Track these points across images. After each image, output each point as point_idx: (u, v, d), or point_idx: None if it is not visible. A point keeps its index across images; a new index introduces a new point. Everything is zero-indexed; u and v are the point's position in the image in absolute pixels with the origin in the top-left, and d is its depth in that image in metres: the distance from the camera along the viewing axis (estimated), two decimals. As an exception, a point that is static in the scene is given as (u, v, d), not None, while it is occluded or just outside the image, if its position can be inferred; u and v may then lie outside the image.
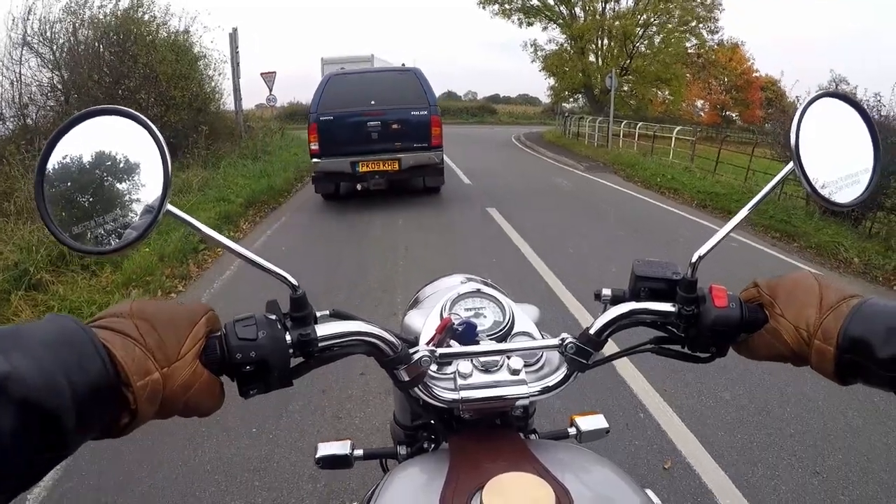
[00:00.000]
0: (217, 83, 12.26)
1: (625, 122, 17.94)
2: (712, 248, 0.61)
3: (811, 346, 0.56)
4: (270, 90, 16.07)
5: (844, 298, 0.56)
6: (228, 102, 13.16)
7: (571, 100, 28.82)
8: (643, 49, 25.01)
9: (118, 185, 0.53)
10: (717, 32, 25.48)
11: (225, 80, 12.58)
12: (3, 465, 0.35)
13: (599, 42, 25.35)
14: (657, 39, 24.90)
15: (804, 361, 0.58)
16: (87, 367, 0.41)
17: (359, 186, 7.66)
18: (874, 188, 0.63)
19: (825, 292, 0.57)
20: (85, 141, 0.52)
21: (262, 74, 15.47)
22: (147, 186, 0.53)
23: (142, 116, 0.53)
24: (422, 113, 7.56)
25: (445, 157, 8.10)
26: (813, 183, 0.60)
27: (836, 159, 0.63)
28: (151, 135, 0.52)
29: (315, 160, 7.52)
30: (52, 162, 0.52)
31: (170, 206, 0.53)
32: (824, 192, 0.61)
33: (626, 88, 25.50)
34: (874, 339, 0.51)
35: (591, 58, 25.50)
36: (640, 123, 17.52)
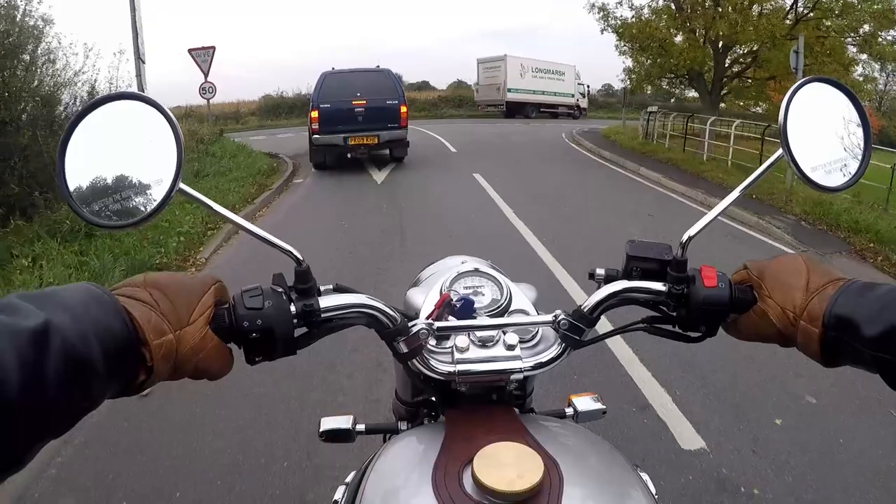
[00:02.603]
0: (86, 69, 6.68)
1: (738, 121, 12.08)
2: (702, 230, 0.64)
3: (797, 327, 0.57)
4: (206, 75, 12.27)
5: (831, 281, 0.57)
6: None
7: (672, 87, 20.82)
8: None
9: (134, 165, 0.57)
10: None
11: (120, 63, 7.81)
12: (50, 406, 0.40)
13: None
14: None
15: (791, 342, 0.59)
16: (111, 327, 0.45)
17: (349, 155, 10.65)
18: (865, 171, 0.64)
19: (812, 275, 0.59)
20: (104, 123, 0.56)
21: (191, 52, 12.08)
22: (161, 166, 0.56)
23: (157, 101, 0.57)
24: (394, 102, 10.68)
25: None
26: (802, 167, 0.62)
27: (827, 143, 0.64)
28: (166, 118, 0.57)
29: (315, 136, 10.38)
30: (73, 143, 0.56)
31: (182, 185, 0.56)
32: (814, 177, 0.63)
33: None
34: (859, 318, 0.52)
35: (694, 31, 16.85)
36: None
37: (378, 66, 11.54)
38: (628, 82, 19.48)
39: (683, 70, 17.28)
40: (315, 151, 10.86)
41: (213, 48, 12.94)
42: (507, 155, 13.20)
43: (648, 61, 18.06)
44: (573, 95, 28.67)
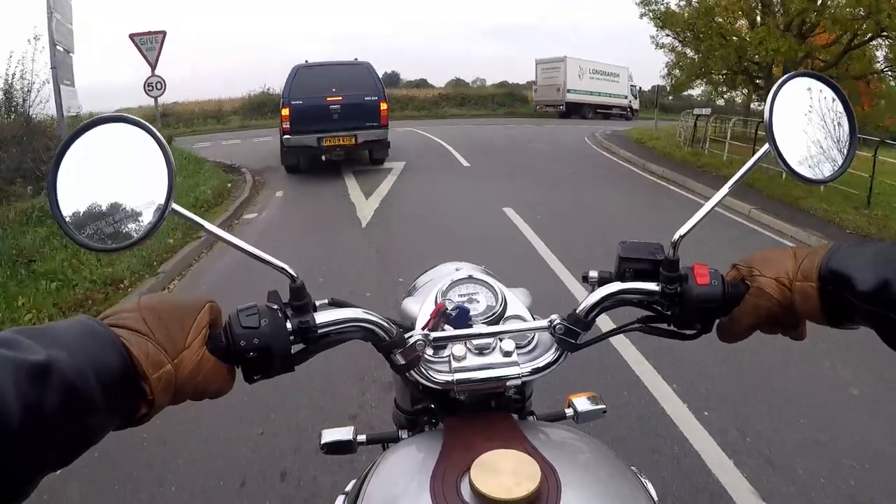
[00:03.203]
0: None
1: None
2: (692, 228, 0.64)
3: (793, 290, 0.58)
4: (153, 67, 10.52)
5: (819, 247, 0.59)
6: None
7: (729, 86, 16.88)
8: None
9: (125, 188, 0.57)
10: None
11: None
12: (50, 440, 0.40)
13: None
14: None
15: (790, 308, 0.59)
16: (109, 363, 0.45)
17: (323, 157, 9.83)
18: (851, 162, 0.65)
19: (798, 250, 0.61)
20: (94, 147, 0.57)
21: (133, 37, 10.35)
22: (153, 188, 0.56)
23: (147, 124, 0.57)
24: (373, 98, 9.82)
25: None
26: (788, 161, 0.63)
27: (813, 136, 0.65)
28: (156, 140, 0.57)
29: (286, 136, 9.49)
30: (64, 166, 0.56)
31: (174, 206, 0.57)
32: (801, 170, 0.64)
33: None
34: (852, 273, 0.53)
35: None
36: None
37: (356, 59, 10.56)
38: (670, 79, 16.69)
39: (761, 62, 13.59)
40: (286, 153, 9.96)
41: (163, 33, 10.82)
42: (536, 171, 10.40)
43: (699, 54, 14.73)
44: (626, 97, 29.04)
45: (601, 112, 26.93)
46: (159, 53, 10.80)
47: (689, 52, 15.72)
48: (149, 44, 10.78)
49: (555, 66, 25.98)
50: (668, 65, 16.36)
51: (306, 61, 10.27)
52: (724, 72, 15.20)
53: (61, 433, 0.42)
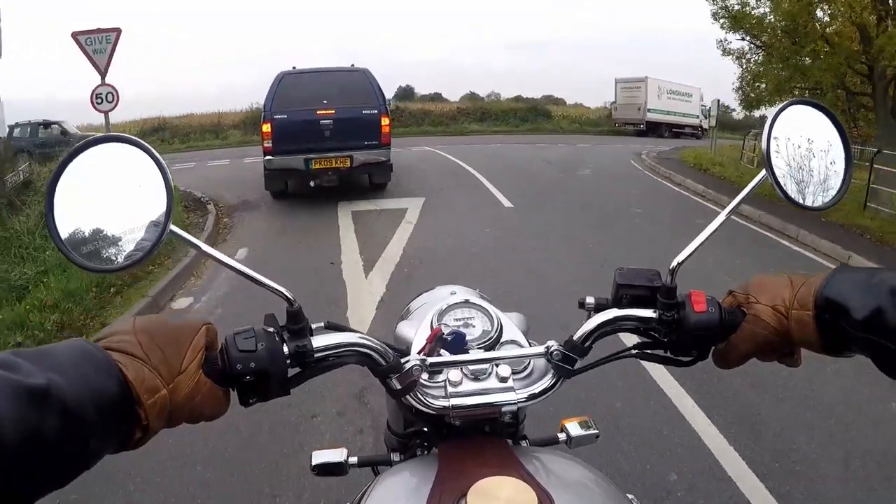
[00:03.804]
0: None
1: None
2: (690, 255, 0.64)
3: (790, 318, 0.57)
4: (103, 74, 8.04)
5: (814, 275, 0.59)
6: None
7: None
8: None
9: (124, 208, 0.57)
10: None
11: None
12: (47, 462, 0.40)
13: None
14: None
15: (786, 336, 0.59)
16: (106, 387, 0.45)
17: (312, 183, 8.04)
18: (846, 190, 0.66)
19: (794, 277, 0.61)
20: (92, 167, 0.56)
21: (77, 36, 7.91)
22: (151, 208, 0.57)
23: (144, 143, 0.57)
24: (372, 112, 7.99)
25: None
26: (785, 188, 0.64)
27: (809, 164, 0.66)
28: (154, 160, 0.57)
29: (268, 158, 7.87)
30: (61, 187, 0.56)
31: (172, 227, 0.57)
32: (797, 198, 0.65)
33: None
34: (848, 301, 0.53)
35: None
36: None
37: (353, 65, 8.80)
38: (745, 92, 13.80)
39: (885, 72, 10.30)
40: (269, 178, 8.26)
41: (117, 31, 8.37)
42: (602, 217, 7.44)
43: (789, 61, 11.56)
44: (697, 116, 29.78)
45: (675, 131, 27.73)
46: (111, 57, 8.38)
47: (756, 59, 13.02)
48: (97, 44, 8.35)
49: (636, 85, 26.82)
50: (745, 75, 13.60)
51: (294, 67, 8.57)
52: (813, 86, 12.10)
53: (59, 456, 0.41)
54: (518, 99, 37.41)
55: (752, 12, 11.84)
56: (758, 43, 12.66)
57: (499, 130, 27.77)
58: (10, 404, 0.38)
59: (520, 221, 7.13)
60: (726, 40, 13.01)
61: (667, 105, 27.62)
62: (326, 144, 7.80)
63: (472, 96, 41.04)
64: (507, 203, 8.17)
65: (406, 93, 43.09)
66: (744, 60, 13.41)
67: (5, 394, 0.38)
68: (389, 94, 35.04)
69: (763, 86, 12.97)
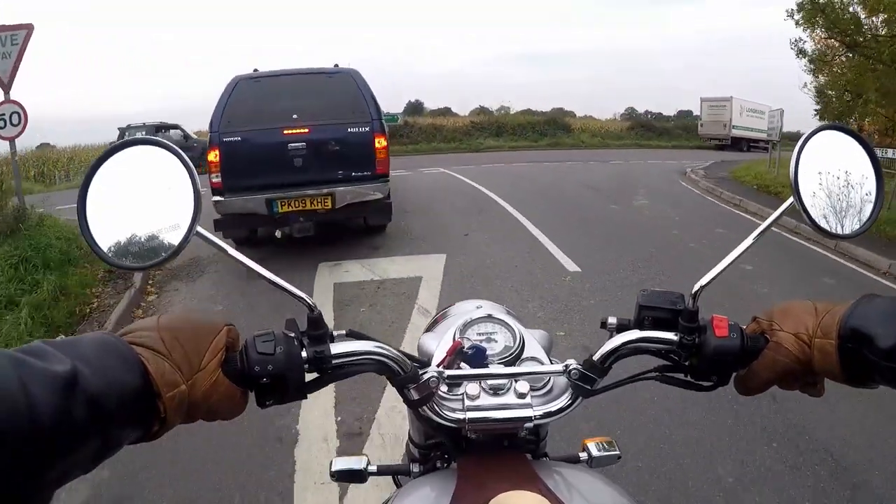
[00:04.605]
0: None
1: None
2: (713, 279, 0.63)
3: (812, 347, 0.57)
4: (6, 88, 6.11)
5: (839, 303, 0.58)
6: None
7: None
8: None
9: (153, 209, 0.58)
10: None
11: None
12: (76, 448, 0.41)
13: None
14: None
15: (808, 365, 0.58)
16: (128, 379, 0.47)
17: (277, 233, 5.48)
18: (877, 216, 0.64)
19: (819, 304, 0.60)
20: (123, 168, 0.59)
21: None
22: (178, 209, 0.58)
23: (174, 146, 0.59)
24: (362, 130, 5.44)
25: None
26: (813, 216, 0.62)
27: (839, 191, 0.64)
28: (183, 163, 0.59)
29: (216, 199, 5.37)
30: (94, 186, 0.58)
31: (199, 228, 0.58)
32: (824, 224, 0.63)
33: None
34: (873, 330, 0.52)
35: None
36: None
37: (337, 66, 6.17)
38: (834, 105, 11.77)
39: None
40: (222, 224, 5.56)
41: (27, 28, 6.43)
42: (722, 288, 3.26)
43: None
44: (765, 131, 34.61)
45: (752, 145, 29.26)
46: (18, 63, 6.37)
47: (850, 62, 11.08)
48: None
49: (721, 104, 29.21)
50: (832, 82, 11.83)
51: (255, 70, 5.99)
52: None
53: (86, 441, 0.43)
54: (528, 112, 36.25)
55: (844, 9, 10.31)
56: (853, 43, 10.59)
57: (517, 146, 25.97)
58: (43, 390, 0.39)
59: (607, 306, 4.33)
60: (801, 40, 11.71)
61: (747, 122, 29.84)
62: (298, 177, 5.34)
63: (482, 110, 39.32)
64: (570, 265, 5.33)
65: (415, 107, 41.66)
66: (823, 65, 11.59)
67: (39, 380, 0.39)
68: (398, 108, 34.07)
69: (872, 96, 10.78)
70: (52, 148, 23.11)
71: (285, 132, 5.29)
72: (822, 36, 10.88)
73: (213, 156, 5.32)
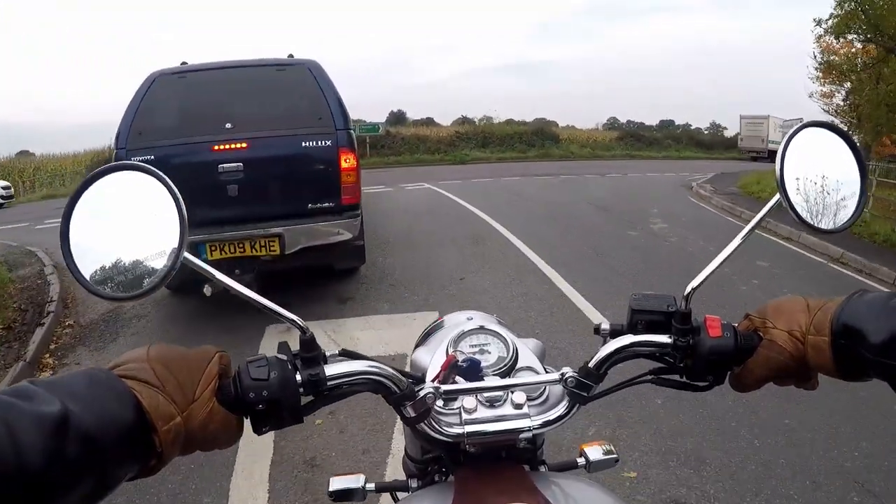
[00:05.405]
0: None
1: None
2: (704, 280, 0.64)
3: (806, 343, 0.57)
4: None
5: (831, 299, 0.59)
6: None
7: None
8: None
9: (138, 236, 0.57)
10: None
11: None
12: (69, 490, 0.40)
13: None
14: None
15: (802, 361, 0.58)
16: (122, 414, 0.46)
17: (206, 289, 3.84)
18: (861, 212, 0.67)
19: (811, 301, 0.60)
20: (106, 195, 0.57)
21: None
22: (164, 236, 0.57)
23: (158, 171, 0.57)
24: (322, 144, 3.97)
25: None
26: (799, 212, 0.64)
27: (824, 186, 0.66)
28: (167, 188, 0.57)
29: None
30: (77, 214, 0.57)
31: (186, 254, 0.57)
32: (811, 220, 0.65)
33: None
34: (864, 326, 0.53)
35: None
36: None
37: (291, 56, 4.61)
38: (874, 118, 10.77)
39: None
40: None
41: None
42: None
43: None
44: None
45: None
46: None
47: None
48: None
49: (759, 122, 32.06)
50: (874, 96, 10.70)
51: (183, 63, 4.48)
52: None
53: (80, 483, 0.42)
54: (510, 122, 34.80)
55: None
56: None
57: (505, 157, 24.88)
58: (32, 433, 0.38)
59: (678, 403, 2.91)
60: (827, 51, 11.97)
61: (779, 137, 33.09)
62: (233, 212, 3.87)
63: (465, 120, 37.74)
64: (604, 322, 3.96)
65: (398, 117, 40.34)
66: (852, 74, 10.54)
67: (26, 424, 0.38)
68: (381, 117, 32.86)
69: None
70: (31, 156, 22.12)
71: (215, 148, 3.82)
72: (858, 43, 10.02)
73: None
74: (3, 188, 16.15)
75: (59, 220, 0.56)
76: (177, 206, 0.57)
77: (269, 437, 2.69)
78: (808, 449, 2.56)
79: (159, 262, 0.56)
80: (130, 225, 0.57)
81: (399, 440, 2.64)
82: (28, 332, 4.38)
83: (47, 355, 4.07)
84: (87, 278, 0.56)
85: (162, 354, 0.52)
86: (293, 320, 0.59)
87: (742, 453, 2.53)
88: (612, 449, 0.81)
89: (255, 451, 2.59)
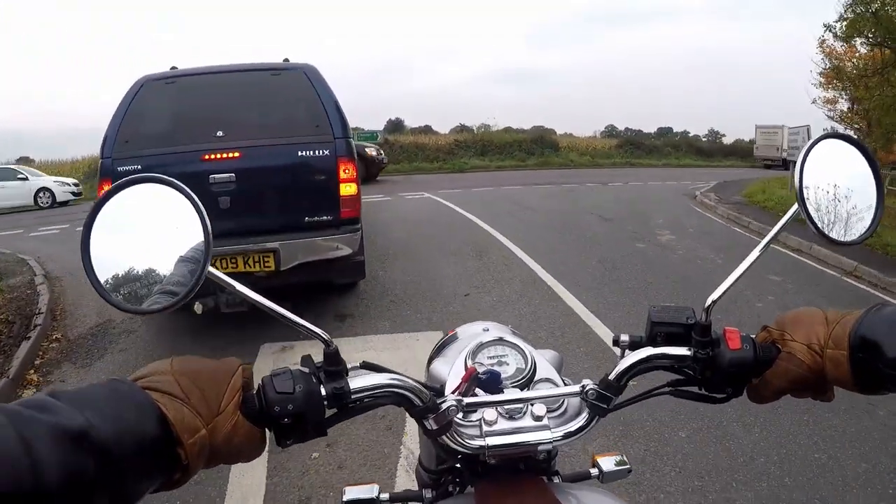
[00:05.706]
0: None
1: None
2: (724, 293, 0.63)
3: (824, 357, 0.57)
4: None
5: (849, 312, 0.59)
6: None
7: None
8: None
9: (161, 249, 0.56)
10: None
11: None
12: None
13: None
14: None
15: (820, 374, 0.58)
16: (146, 427, 0.45)
17: (197, 307, 3.65)
18: (878, 224, 0.66)
19: (829, 313, 0.60)
20: (129, 207, 0.57)
21: None
22: (188, 250, 0.56)
23: (181, 184, 0.56)
24: (320, 153, 3.76)
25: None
26: (817, 223, 0.63)
27: (841, 198, 0.65)
28: (191, 201, 0.56)
29: None
30: (98, 226, 0.56)
31: (210, 268, 0.56)
32: (829, 232, 0.64)
33: None
34: (883, 340, 0.53)
35: None
36: None
37: (286, 60, 4.35)
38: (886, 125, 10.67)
39: None
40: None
41: None
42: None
43: None
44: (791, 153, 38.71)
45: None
46: None
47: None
48: None
49: (773, 131, 32.41)
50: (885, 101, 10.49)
51: (172, 67, 4.29)
52: None
53: (102, 497, 0.41)
54: (509, 130, 34.32)
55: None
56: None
57: (504, 166, 24.66)
58: (50, 448, 0.37)
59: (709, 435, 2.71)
60: (832, 56, 10.63)
61: (786, 145, 33.39)
62: (225, 225, 3.59)
63: (462, 128, 37.40)
64: (623, 335, 3.74)
65: (396, 126, 40.18)
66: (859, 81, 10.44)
67: (44, 438, 0.37)
68: (378, 125, 32.62)
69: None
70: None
71: (206, 157, 3.62)
72: (866, 48, 9.89)
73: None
74: (74, 184, 17.18)
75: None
76: (201, 219, 0.56)
77: (262, 474, 2.46)
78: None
79: (183, 277, 0.56)
80: (153, 237, 0.57)
81: (402, 477, 2.42)
82: (13, 346, 4.16)
83: (32, 371, 3.86)
84: (110, 291, 0.55)
85: (186, 366, 0.52)
86: (317, 334, 0.59)
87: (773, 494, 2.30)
88: (625, 459, 0.80)
89: (245, 491, 2.36)
